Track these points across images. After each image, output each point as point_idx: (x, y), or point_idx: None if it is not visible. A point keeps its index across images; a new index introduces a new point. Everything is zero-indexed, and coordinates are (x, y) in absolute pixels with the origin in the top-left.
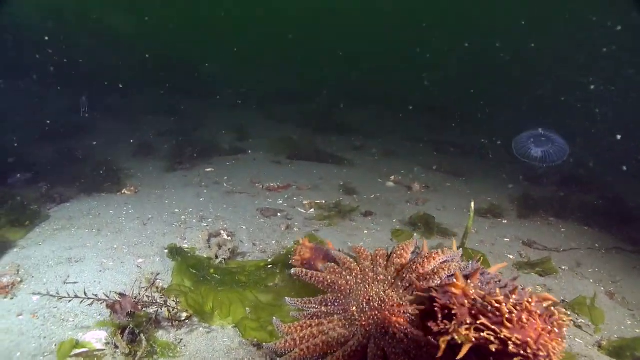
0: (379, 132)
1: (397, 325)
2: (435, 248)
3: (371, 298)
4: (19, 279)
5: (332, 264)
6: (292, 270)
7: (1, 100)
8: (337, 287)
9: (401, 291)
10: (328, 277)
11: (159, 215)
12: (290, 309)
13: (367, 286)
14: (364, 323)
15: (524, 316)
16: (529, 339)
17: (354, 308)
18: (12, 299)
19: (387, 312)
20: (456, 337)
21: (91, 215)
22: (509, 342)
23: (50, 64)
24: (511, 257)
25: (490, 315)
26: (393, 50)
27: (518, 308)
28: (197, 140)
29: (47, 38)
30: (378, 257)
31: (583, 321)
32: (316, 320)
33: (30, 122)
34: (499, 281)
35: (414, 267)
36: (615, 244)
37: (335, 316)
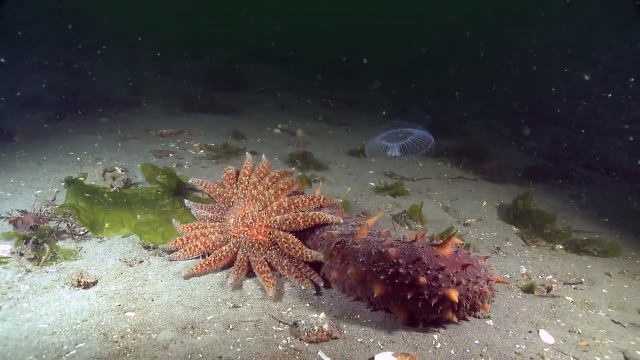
0: (275, 88)
1: (262, 243)
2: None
3: (246, 215)
4: None
5: (231, 171)
6: (190, 180)
7: None
8: (222, 199)
9: (273, 214)
10: (218, 188)
11: (53, 157)
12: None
13: (246, 202)
14: (235, 235)
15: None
16: None
17: (232, 220)
18: None
19: (255, 231)
20: None
21: None
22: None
23: None
24: (372, 184)
25: None
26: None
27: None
28: (89, 93)
29: None
30: (266, 178)
31: (419, 226)
32: (202, 224)
33: None
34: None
35: (296, 201)
36: (460, 175)
37: (217, 223)
